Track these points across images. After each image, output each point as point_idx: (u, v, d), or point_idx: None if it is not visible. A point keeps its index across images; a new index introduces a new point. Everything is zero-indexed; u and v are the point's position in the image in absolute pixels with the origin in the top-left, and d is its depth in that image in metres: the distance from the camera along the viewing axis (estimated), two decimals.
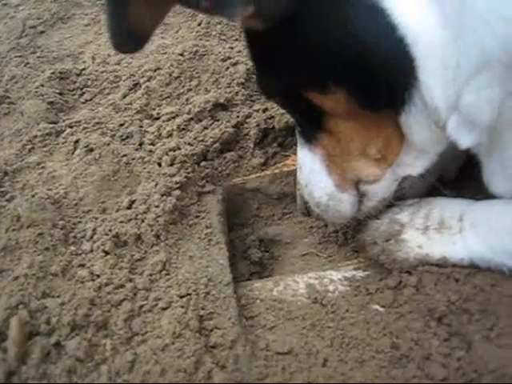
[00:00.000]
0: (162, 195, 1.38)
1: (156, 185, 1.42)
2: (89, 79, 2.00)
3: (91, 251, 1.30)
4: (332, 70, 1.02)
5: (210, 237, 1.35)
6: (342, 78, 1.02)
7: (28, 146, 1.66)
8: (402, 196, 1.31)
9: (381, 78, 0.99)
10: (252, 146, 1.62)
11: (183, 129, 1.64)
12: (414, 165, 1.16)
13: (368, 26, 0.96)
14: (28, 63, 2.07)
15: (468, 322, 1.09)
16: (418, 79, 0.98)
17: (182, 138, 1.60)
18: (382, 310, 1.18)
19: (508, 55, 0.89)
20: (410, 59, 0.96)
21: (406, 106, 1.02)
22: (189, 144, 1.56)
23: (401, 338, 1.11)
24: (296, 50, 1.03)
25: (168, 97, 1.82)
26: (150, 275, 1.24)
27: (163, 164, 1.49)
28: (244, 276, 1.43)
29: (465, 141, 1.03)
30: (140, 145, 1.60)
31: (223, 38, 2.06)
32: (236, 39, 2.03)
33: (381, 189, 1.20)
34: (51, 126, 1.72)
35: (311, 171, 1.22)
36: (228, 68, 1.85)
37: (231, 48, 1.96)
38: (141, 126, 1.68)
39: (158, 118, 1.73)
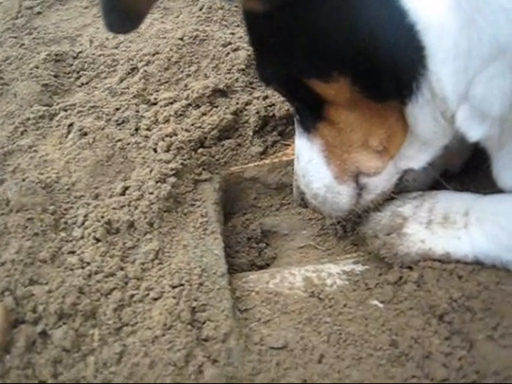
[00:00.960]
0: (157, 182, 1.34)
1: (151, 171, 1.37)
2: (85, 62, 1.94)
3: (82, 238, 1.26)
4: (336, 57, 0.97)
5: (205, 226, 1.31)
6: (347, 66, 0.97)
7: (20, 129, 1.62)
8: (405, 189, 1.28)
9: (388, 67, 0.95)
10: (251, 133, 1.58)
11: (181, 115, 1.60)
12: (417, 158, 1.12)
13: (376, 11, 0.92)
14: (23, 44, 2.02)
15: (470, 321, 1.05)
16: (428, 68, 0.93)
17: (179, 123, 1.56)
18: (381, 305, 1.15)
19: None
20: (420, 47, 0.92)
21: (413, 96, 0.98)
22: (186, 130, 1.52)
23: (400, 335, 1.08)
24: (298, 34, 0.98)
25: (166, 82, 1.77)
26: (142, 264, 1.20)
27: (159, 150, 1.44)
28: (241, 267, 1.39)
29: (475, 133, 0.99)
30: (136, 130, 1.55)
31: (224, 23, 2.01)
32: (237, 25, 1.98)
33: (381, 182, 1.15)
34: (45, 108, 1.67)
35: (309, 161, 1.17)
36: (228, 54, 1.80)
37: (232, 34, 1.91)
38: (137, 111, 1.63)
39: (155, 104, 1.68)
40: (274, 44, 1.03)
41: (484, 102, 0.93)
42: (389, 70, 0.95)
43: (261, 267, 1.40)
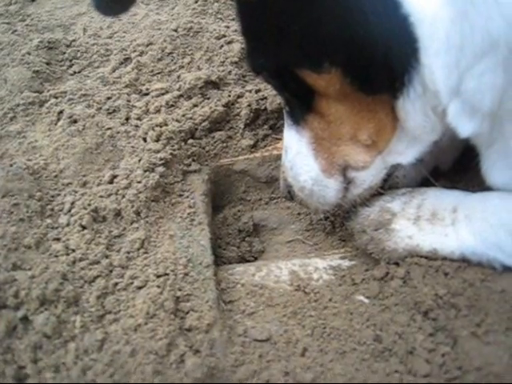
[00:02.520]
0: (145, 171, 1.33)
1: (140, 160, 1.36)
2: (78, 51, 1.93)
3: (68, 225, 1.25)
4: (328, 47, 0.96)
5: (192, 217, 1.30)
6: (339, 57, 0.96)
7: (10, 115, 1.60)
8: (395, 185, 1.28)
9: (380, 59, 0.94)
10: (242, 126, 1.57)
11: (172, 105, 1.59)
12: (405, 153, 1.11)
13: (370, 1, 0.91)
14: (16, 31, 2.00)
15: (455, 318, 1.05)
16: (420, 61, 0.93)
17: (170, 114, 1.55)
18: (366, 301, 1.14)
19: None
20: (413, 39, 0.91)
21: (405, 89, 0.97)
22: (176, 121, 1.51)
23: (384, 330, 1.07)
24: (290, 23, 0.97)
25: (159, 73, 1.76)
26: (128, 253, 1.20)
27: (148, 139, 1.43)
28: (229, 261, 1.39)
29: (465, 129, 0.98)
30: (126, 119, 1.54)
31: (219, 16, 2.00)
32: (232, 18, 1.97)
33: (369, 176, 1.15)
34: (35, 95, 1.65)
35: (297, 154, 1.16)
36: (222, 46, 1.79)
37: (227, 27, 1.90)
38: (128, 101, 1.62)
39: (147, 94, 1.68)
40: (266, 33, 1.02)
41: (475, 97, 0.93)
42: (381, 62, 0.95)
43: (249, 261, 1.40)
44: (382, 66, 0.95)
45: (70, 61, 1.90)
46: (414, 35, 0.91)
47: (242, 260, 1.40)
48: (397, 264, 1.16)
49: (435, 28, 0.89)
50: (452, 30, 0.88)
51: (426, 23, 0.90)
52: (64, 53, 1.92)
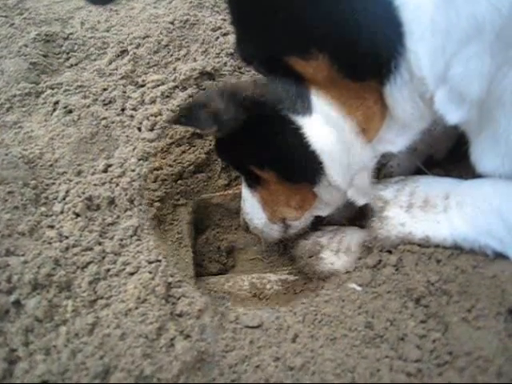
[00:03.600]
0: (139, 159, 1.34)
1: (134, 149, 1.37)
2: (76, 44, 1.93)
3: (62, 213, 1.25)
4: (315, 34, 0.96)
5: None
6: (325, 43, 0.96)
7: (6, 105, 1.60)
8: (389, 175, 1.28)
9: (366, 44, 0.93)
10: (219, 169, 1.62)
11: (167, 96, 1.59)
12: (395, 141, 1.10)
13: None
14: (13, 24, 2.00)
15: (446, 304, 1.05)
16: (406, 47, 0.92)
17: (165, 105, 1.55)
18: (359, 288, 1.14)
19: (501, 20, 0.84)
20: (398, 24, 0.90)
21: (392, 76, 0.96)
22: (171, 111, 1.51)
23: (376, 317, 1.07)
24: (278, 11, 0.96)
25: (155, 65, 1.76)
26: (121, 240, 1.20)
27: (143, 129, 1.44)
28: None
29: (453, 116, 0.98)
30: (122, 110, 1.55)
31: (216, 9, 2.00)
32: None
33: (300, 223, 1.32)
34: (31, 86, 1.66)
35: (251, 206, 1.33)
36: (218, 38, 1.79)
37: (224, 20, 1.90)
38: (124, 92, 1.63)
39: (143, 85, 1.68)
40: (255, 22, 1.02)
41: (462, 83, 0.92)
42: (367, 48, 0.94)
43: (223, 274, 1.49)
44: (367, 51, 0.94)
45: (67, 53, 1.90)
46: (399, 19, 0.89)
47: (221, 271, 1.51)
48: (389, 252, 1.16)
49: (420, 11, 0.88)
50: (437, 14, 0.87)
51: (410, 7, 0.88)
52: (61, 46, 1.92)
